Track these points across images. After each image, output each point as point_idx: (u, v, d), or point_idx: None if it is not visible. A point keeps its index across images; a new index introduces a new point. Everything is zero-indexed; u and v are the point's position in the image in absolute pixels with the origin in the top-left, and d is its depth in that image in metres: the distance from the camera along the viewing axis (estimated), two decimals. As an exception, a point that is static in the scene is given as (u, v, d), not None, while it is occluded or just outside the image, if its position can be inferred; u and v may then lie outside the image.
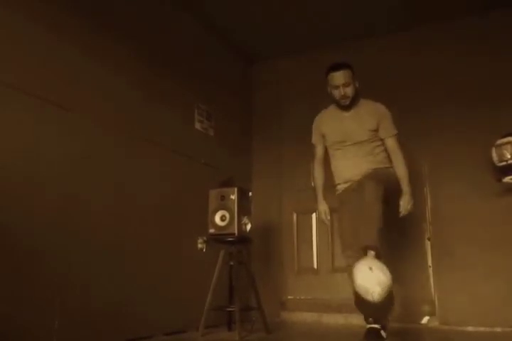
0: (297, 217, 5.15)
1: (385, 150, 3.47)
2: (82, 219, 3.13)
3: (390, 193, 3.27)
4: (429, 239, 4.42)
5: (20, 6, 2.91)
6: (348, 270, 3.32)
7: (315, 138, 3.67)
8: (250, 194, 4.05)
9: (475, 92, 4.46)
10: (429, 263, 4.38)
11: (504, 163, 3.95)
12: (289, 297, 4.97)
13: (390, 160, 3.45)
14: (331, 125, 3.56)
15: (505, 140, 3.97)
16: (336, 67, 3.42)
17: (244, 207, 3.84)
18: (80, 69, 3.29)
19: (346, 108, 3.47)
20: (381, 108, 3.47)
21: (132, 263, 3.50)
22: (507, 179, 3.98)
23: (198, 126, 4.56)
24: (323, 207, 3.63)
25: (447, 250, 4.31)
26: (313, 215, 5.04)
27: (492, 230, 4.17)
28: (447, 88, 4.58)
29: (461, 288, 4.18)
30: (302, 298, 4.91)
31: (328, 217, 3.62)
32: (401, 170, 3.38)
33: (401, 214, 3.39)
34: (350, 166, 3.45)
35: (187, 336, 3.75)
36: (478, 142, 4.24)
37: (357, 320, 4.47)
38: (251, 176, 5.36)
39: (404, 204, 3.36)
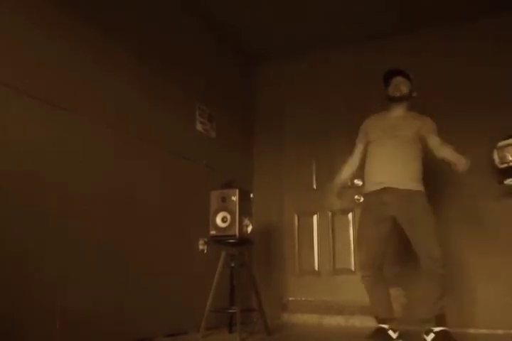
0: (298, 218, 5.15)
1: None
2: (82, 220, 3.12)
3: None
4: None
5: (20, 7, 2.90)
6: (364, 282, 3.47)
7: (359, 138, 3.74)
8: (251, 195, 4.05)
9: (476, 94, 4.45)
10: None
11: (506, 165, 3.95)
12: (290, 298, 4.97)
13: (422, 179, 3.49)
14: (377, 123, 3.66)
15: (507, 142, 3.97)
16: (396, 73, 3.65)
17: (245, 209, 3.84)
18: (79, 70, 3.28)
19: (395, 105, 3.58)
20: (427, 118, 3.60)
21: (133, 264, 3.49)
22: (508, 181, 3.97)
23: (199, 127, 4.56)
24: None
25: (448, 253, 4.28)
26: (315, 217, 5.06)
27: (493, 232, 4.16)
28: (448, 90, 4.57)
29: (463, 289, 4.16)
30: (303, 299, 4.90)
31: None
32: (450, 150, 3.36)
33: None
34: (387, 165, 3.45)
35: (188, 337, 3.74)
36: (480, 144, 4.22)
37: (358, 321, 4.51)
38: (252, 178, 5.36)
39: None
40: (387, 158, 3.46)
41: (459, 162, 3.22)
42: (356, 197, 4.78)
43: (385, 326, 3.38)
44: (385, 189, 3.40)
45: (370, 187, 3.51)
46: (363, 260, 3.48)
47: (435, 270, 3.25)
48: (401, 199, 3.36)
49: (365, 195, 3.61)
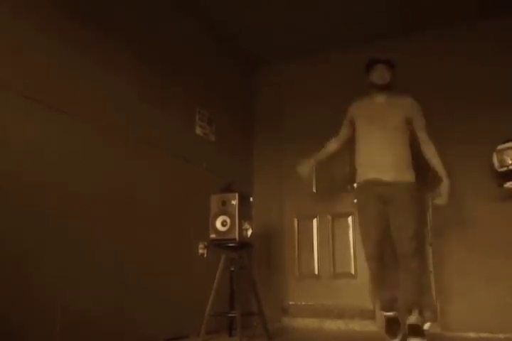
0: (298, 222, 5.12)
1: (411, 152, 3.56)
2: (82, 220, 3.10)
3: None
4: (430, 245, 4.39)
5: (20, 8, 2.89)
6: (371, 276, 3.53)
7: (344, 122, 3.79)
8: (251, 199, 4.04)
9: (476, 94, 4.46)
10: (431, 268, 4.34)
11: (505, 169, 3.95)
12: (291, 302, 4.93)
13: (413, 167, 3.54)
14: (363, 107, 3.69)
15: (506, 145, 3.97)
16: (381, 61, 3.64)
17: (245, 213, 3.83)
18: (79, 70, 3.26)
19: (381, 91, 3.62)
20: (414, 101, 3.63)
21: (133, 267, 3.47)
22: (508, 184, 3.98)
23: (198, 131, 4.54)
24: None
25: (448, 255, 4.28)
26: (315, 220, 5.03)
27: (493, 235, 4.15)
28: (448, 90, 4.58)
29: (463, 293, 4.15)
30: (303, 303, 4.87)
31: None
32: (436, 159, 3.53)
33: (440, 202, 3.48)
34: (376, 159, 3.50)
35: (188, 341, 3.73)
36: (479, 147, 4.23)
37: (358, 326, 4.48)
38: (252, 181, 5.34)
39: (445, 189, 3.45)
40: (376, 151, 3.52)
41: (445, 186, 3.44)
42: (355, 201, 4.76)
43: (392, 313, 3.44)
44: (375, 180, 3.48)
45: (362, 178, 3.60)
46: (369, 250, 3.49)
47: (407, 264, 3.34)
48: (389, 191, 3.42)
49: (357, 184, 3.66)
